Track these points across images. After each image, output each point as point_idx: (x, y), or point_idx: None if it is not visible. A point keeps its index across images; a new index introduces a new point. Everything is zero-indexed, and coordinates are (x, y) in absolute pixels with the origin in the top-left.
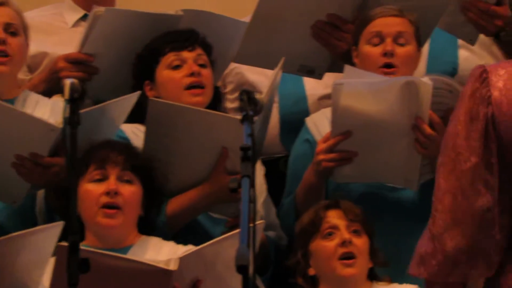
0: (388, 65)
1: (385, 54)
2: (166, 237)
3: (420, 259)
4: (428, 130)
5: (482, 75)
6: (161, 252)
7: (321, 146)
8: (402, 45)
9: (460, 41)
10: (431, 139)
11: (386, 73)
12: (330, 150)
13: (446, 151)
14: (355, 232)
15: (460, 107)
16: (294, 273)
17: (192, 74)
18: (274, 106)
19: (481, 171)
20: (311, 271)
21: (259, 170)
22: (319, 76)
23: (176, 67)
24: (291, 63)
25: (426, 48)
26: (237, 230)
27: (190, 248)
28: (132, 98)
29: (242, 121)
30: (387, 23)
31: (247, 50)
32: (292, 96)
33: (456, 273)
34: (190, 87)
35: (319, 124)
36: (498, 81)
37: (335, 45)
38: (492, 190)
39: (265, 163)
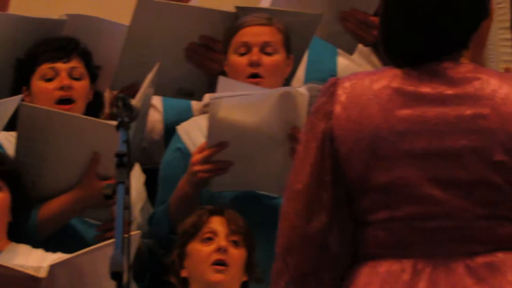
0: (254, 75)
1: (251, 64)
2: (37, 242)
3: (273, 278)
4: None
5: (331, 88)
6: (30, 259)
7: (196, 157)
8: (269, 54)
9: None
10: None
11: (252, 83)
12: (205, 161)
13: (290, 171)
14: (234, 243)
15: (306, 123)
16: (168, 272)
17: (62, 88)
18: (159, 116)
19: (315, 190)
20: (184, 273)
21: (138, 177)
22: (198, 98)
23: (49, 80)
24: (168, 87)
25: (305, 56)
26: (112, 240)
27: (60, 256)
28: (12, 102)
29: (118, 127)
30: (254, 33)
31: (122, 75)
32: (176, 106)
33: None
34: (59, 101)
35: (191, 132)
36: (342, 95)
37: (209, 66)
38: (327, 208)
39: (149, 171)
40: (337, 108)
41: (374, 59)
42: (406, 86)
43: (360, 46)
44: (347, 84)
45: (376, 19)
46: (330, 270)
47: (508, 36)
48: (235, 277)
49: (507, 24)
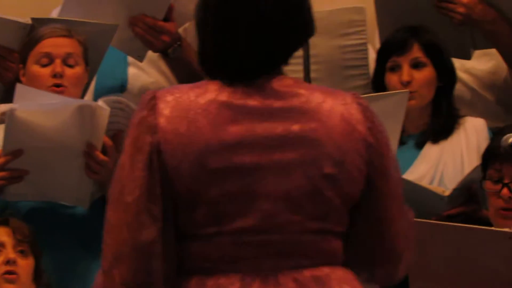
0: (57, 86)
1: (54, 75)
2: None
3: None
4: (100, 156)
5: (151, 102)
6: None
7: None
8: (71, 66)
9: (130, 59)
10: (103, 165)
11: (56, 92)
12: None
13: (114, 183)
14: (21, 252)
15: (128, 136)
16: None
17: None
18: None
19: (145, 203)
20: None
21: None
22: None
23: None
24: None
25: None
26: None
27: None
28: None
29: None
30: (56, 44)
31: None
32: None
33: None
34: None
35: None
36: (165, 108)
37: (3, 75)
38: (157, 221)
39: None
40: (162, 121)
41: (163, 66)
42: (234, 100)
43: (149, 53)
44: (169, 98)
45: (165, 25)
46: (158, 284)
47: (297, 53)
48: (25, 286)
49: None
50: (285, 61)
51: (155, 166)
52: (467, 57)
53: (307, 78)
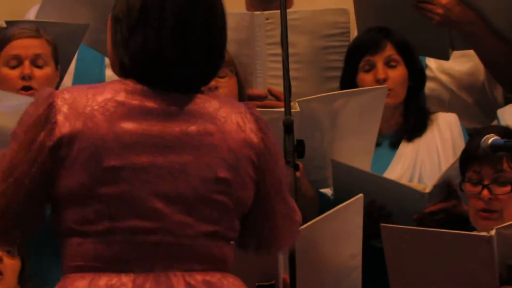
0: (26, 88)
1: (23, 77)
2: None
3: None
4: None
5: (48, 99)
6: None
7: None
8: (40, 67)
9: (107, 60)
10: None
11: (26, 95)
12: None
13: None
14: (8, 252)
15: (20, 130)
16: None
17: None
18: None
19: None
20: None
21: None
22: None
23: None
24: None
25: (72, 66)
26: None
27: None
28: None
29: None
30: (24, 45)
31: None
32: None
33: None
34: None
35: None
36: (63, 105)
37: None
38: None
39: None
40: (60, 118)
41: None
42: (131, 100)
43: None
44: (67, 96)
45: None
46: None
47: (276, 51)
48: (9, 287)
49: (276, 40)
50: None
51: (42, 161)
52: (446, 57)
53: (287, 78)
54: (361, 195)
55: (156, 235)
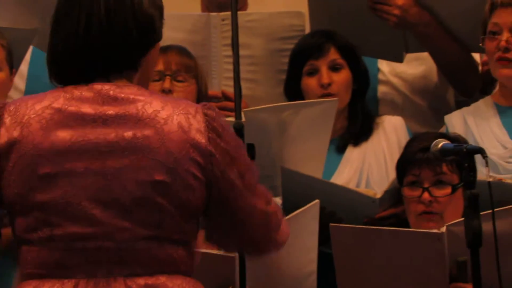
0: None
1: None
2: None
3: None
4: None
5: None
6: None
7: None
8: None
9: None
10: None
11: None
12: None
13: None
14: None
15: None
16: None
17: None
18: None
19: None
20: None
21: None
22: None
23: None
24: None
25: (26, 69)
26: None
27: None
28: None
29: None
30: None
31: None
32: None
33: None
34: None
35: None
36: (7, 118)
37: None
38: None
39: None
40: (2, 131)
41: None
42: (68, 106)
43: None
44: (12, 108)
45: None
46: None
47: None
48: None
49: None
50: (134, 67)
51: None
52: (400, 60)
53: (237, 80)
54: (317, 201)
55: (95, 240)
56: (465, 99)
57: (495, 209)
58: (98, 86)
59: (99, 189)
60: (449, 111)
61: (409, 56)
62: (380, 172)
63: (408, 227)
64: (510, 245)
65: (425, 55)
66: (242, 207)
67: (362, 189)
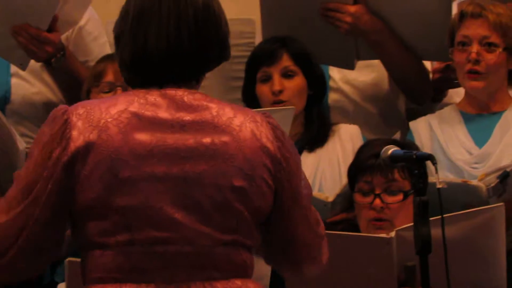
0: None
1: None
2: None
3: None
4: None
5: (63, 116)
6: None
7: None
8: None
9: (13, 69)
10: None
11: None
12: None
13: (19, 182)
14: None
15: (37, 143)
16: None
17: None
18: None
19: (30, 209)
20: None
21: None
22: None
23: None
24: None
25: None
26: None
27: None
28: None
29: None
30: None
31: None
32: None
33: None
34: None
35: None
36: (78, 121)
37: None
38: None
39: None
40: (74, 133)
41: (46, 76)
42: (144, 111)
43: (32, 63)
44: (81, 111)
45: (49, 35)
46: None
47: None
48: None
49: None
50: (197, 77)
51: (57, 177)
52: (351, 67)
53: None
54: None
55: (175, 245)
56: (416, 106)
57: (444, 215)
58: (171, 92)
59: (180, 194)
60: (400, 118)
61: (360, 64)
62: (334, 180)
63: (359, 232)
64: (459, 250)
65: (376, 62)
66: (299, 221)
67: (314, 192)
